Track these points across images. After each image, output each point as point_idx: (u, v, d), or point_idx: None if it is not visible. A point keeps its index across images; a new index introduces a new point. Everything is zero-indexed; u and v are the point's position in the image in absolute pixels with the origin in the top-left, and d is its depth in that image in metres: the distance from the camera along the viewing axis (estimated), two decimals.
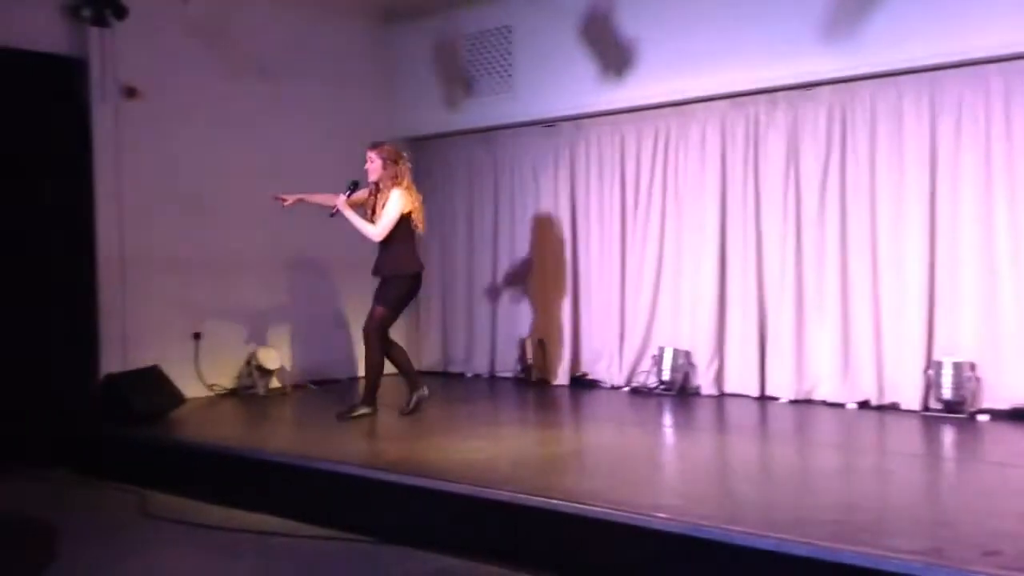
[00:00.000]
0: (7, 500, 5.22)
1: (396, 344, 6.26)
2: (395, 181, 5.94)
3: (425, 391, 6.25)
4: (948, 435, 5.67)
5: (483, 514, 4.20)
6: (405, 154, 6.12)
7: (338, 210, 5.95)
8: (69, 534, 4.45)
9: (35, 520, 4.61)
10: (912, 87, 6.21)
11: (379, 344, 6.05)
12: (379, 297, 6.06)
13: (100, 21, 6.34)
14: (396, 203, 5.89)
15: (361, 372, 6.50)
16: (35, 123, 6.34)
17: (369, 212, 6.03)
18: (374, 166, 5.97)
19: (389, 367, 6.22)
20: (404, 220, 5.94)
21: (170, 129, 6.99)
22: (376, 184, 6.02)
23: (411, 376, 6.31)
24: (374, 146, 6.04)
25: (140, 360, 6.53)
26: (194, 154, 7.13)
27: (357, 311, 6.25)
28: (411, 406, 6.20)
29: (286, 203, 6.26)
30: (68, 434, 6.17)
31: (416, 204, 6.00)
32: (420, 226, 6.06)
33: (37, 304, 6.31)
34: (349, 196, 6.01)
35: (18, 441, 6.02)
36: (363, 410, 6.10)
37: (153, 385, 6.37)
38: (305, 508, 4.83)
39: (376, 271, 6.10)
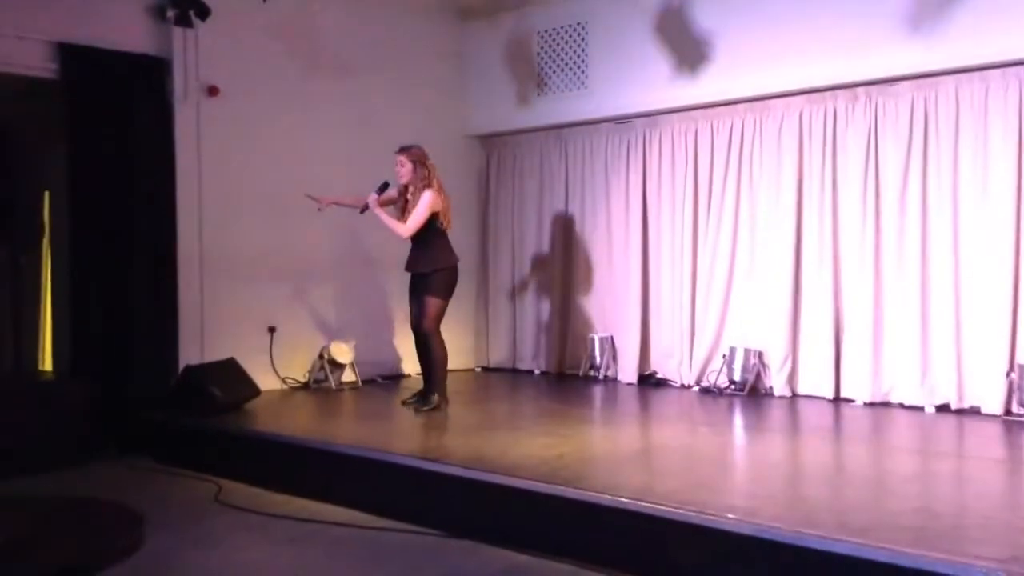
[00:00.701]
0: (95, 486, 5.39)
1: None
2: (425, 182, 6.10)
3: (428, 405, 6.27)
4: None
5: (551, 511, 4.20)
6: (431, 159, 6.23)
7: (368, 207, 6.14)
8: (150, 520, 4.57)
9: (123, 507, 4.75)
10: (999, 81, 6.02)
11: (440, 336, 6.21)
12: (427, 291, 6.17)
13: (184, 21, 6.50)
14: (427, 203, 6.05)
15: (419, 369, 6.67)
16: (120, 121, 6.52)
17: (400, 213, 6.21)
18: (405, 169, 6.14)
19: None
20: (433, 219, 6.10)
21: (248, 128, 7.14)
22: (406, 186, 6.18)
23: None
24: (403, 150, 6.19)
25: (217, 353, 6.68)
26: (271, 152, 7.28)
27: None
28: (413, 399, 6.38)
29: (320, 206, 6.46)
30: (150, 423, 6.35)
31: (445, 204, 6.17)
32: (448, 224, 6.21)
33: (121, 298, 6.49)
34: (380, 195, 6.19)
35: (104, 430, 6.22)
36: (436, 402, 6.20)
37: (230, 377, 6.50)
38: (374, 500, 4.89)
39: (413, 267, 6.23)
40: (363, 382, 7.60)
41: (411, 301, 6.34)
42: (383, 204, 6.22)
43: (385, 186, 6.24)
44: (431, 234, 6.12)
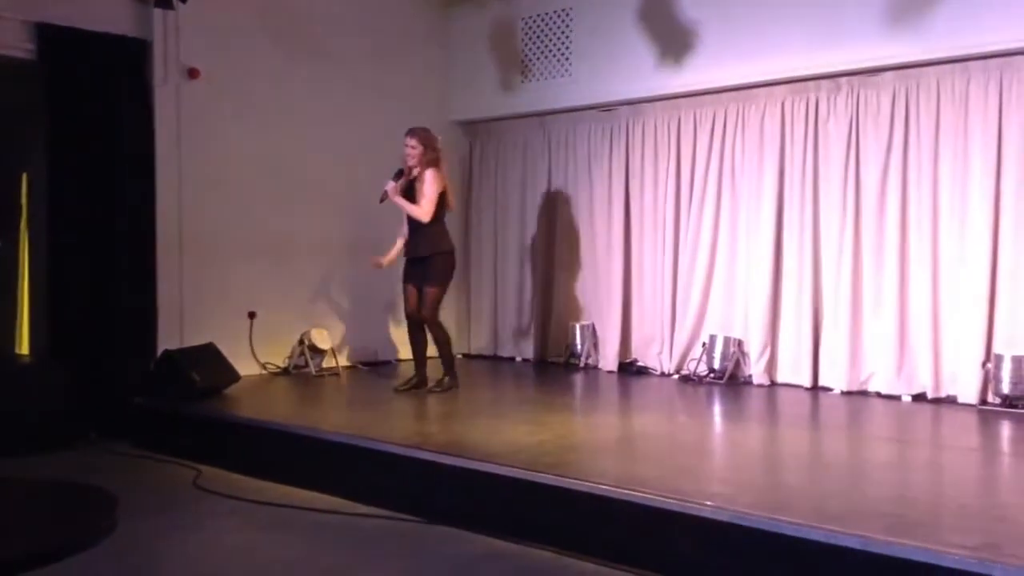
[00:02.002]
0: (72, 470, 5.35)
1: (425, 332, 6.44)
2: (429, 162, 6.15)
3: (431, 386, 6.43)
4: (1006, 430, 5.54)
5: (531, 498, 4.21)
6: (439, 137, 6.34)
7: (387, 196, 6.17)
8: (127, 505, 4.54)
9: (98, 490, 4.72)
10: (981, 73, 6.06)
11: (440, 323, 6.33)
12: (426, 278, 6.23)
13: (164, 3, 6.41)
14: (433, 182, 6.12)
15: (406, 355, 6.76)
16: (100, 103, 6.45)
17: (404, 196, 6.22)
18: (416, 152, 6.16)
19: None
20: (440, 199, 6.17)
21: (228, 111, 7.09)
22: (410, 169, 6.22)
23: (425, 367, 6.50)
24: (412, 132, 6.21)
25: (196, 337, 6.64)
26: (251, 136, 7.23)
27: None
28: (406, 386, 6.42)
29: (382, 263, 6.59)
30: (128, 408, 6.31)
31: (448, 183, 6.27)
32: (451, 205, 6.37)
33: (100, 281, 6.43)
34: (396, 182, 6.21)
35: (82, 414, 6.18)
36: (449, 384, 6.38)
37: (209, 362, 6.47)
38: (355, 487, 4.88)
39: (414, 251, 6.27)
40: (343, 368, 7.58)
41: (407, 286, 6.36)
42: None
43: (400, 173, 6.26)
44: (434, 217, 6.17)
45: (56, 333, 6.35)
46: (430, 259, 6.22)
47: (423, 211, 6.12)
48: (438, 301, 6.30)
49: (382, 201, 6.24)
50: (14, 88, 6.59)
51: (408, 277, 6.37)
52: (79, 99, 6.36)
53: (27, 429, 5.79)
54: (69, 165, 6.33)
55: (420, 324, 6.38)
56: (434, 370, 6.55)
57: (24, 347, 7.33)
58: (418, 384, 6.44)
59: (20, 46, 6.20)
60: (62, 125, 6.32)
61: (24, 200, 7.34)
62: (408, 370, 6.72)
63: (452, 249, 6.37)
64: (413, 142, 6.16)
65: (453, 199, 6.43)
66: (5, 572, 2.88)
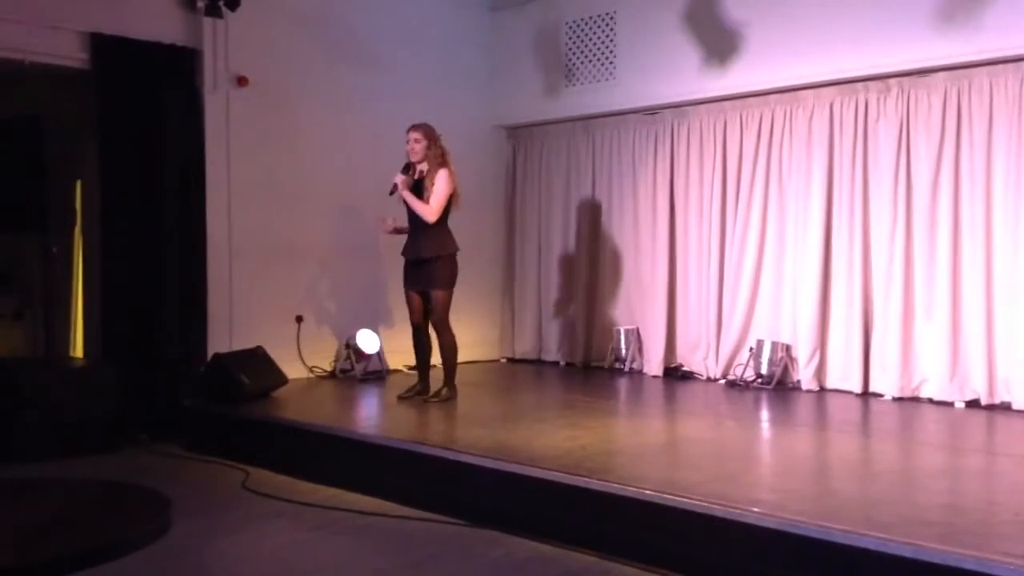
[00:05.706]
0: (123, 471, 5.45)
1: (430, 338, 6.33)
2: (440, 161, 6.01)
3: (437, 397, 6.26)
4: None
5: (575, 502, 4.20)
6: (441, 134, 6.16)
7: (397, 189, 6.03)
8: (178, 506, 4.61)
9: (153, 491, 4.80)
10: None
11: (450, 326, 6.16)
12: (432, 282, 6.07)
13: (214, 11, 6.54)
14: (446, 182, 5.98)
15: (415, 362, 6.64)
16: (151, 111, 6.57)
17: (424, 194, 6.07)
18: (420, 146, 6.03)
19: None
20: (449, 200, 6.03)
21: (277, 118, 7.18)
22: (416, 165, 6.09)
23: (428, 374, 6.40)
24: (416, 127, 6.09)
25: (245, 341, 6.73)
26: (299, 142, 7.32)
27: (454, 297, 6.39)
28: (409, 394, 6.31)
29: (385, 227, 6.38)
30: (178, 410, 6.42)
31: (457, 182, 6.08)
32: (458, 205, 6.13)
33: (151, 286, 6.55)
34: (405, 176, 6.06)
35: (133, 416, 6.29)
36: (447, 395, 6.23)
37: (258, 365, 6.55)
38: (400, 489, 4.91)
39: (415, 253, 6.11)
40: (389, 371, 7.63)
41: (409, 292, 6.23)
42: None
43: (408, 167, 6.13)
44: (439, 218, 6.04)
45: (109, 337, 6.47)
46: (434, 262, 6.04)
47: (431, 211, 5.96)
48: (448, 304, 6.12)
49: (392, 193, 6.07)
50: (68, 97, 6.75)
51: (409, 282, 6.20)
52: (131, 107, 6.48)
53: (80, 431, 5.91)
54: (121, 172, 6.45)
55: (425, 330, 6.27)
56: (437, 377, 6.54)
57: (78, 350, 7.49)
58: (421, 391, 6.32)
59: (74, 56, 6.33)
60: (114, 133, 6.44)
61: (78, 206, 7.51)
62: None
63: (456, 251, 6.14)
64: (417, 135, 6.02)
65: (459, 199, 6.11)
66: (63, 569, 2.95)
